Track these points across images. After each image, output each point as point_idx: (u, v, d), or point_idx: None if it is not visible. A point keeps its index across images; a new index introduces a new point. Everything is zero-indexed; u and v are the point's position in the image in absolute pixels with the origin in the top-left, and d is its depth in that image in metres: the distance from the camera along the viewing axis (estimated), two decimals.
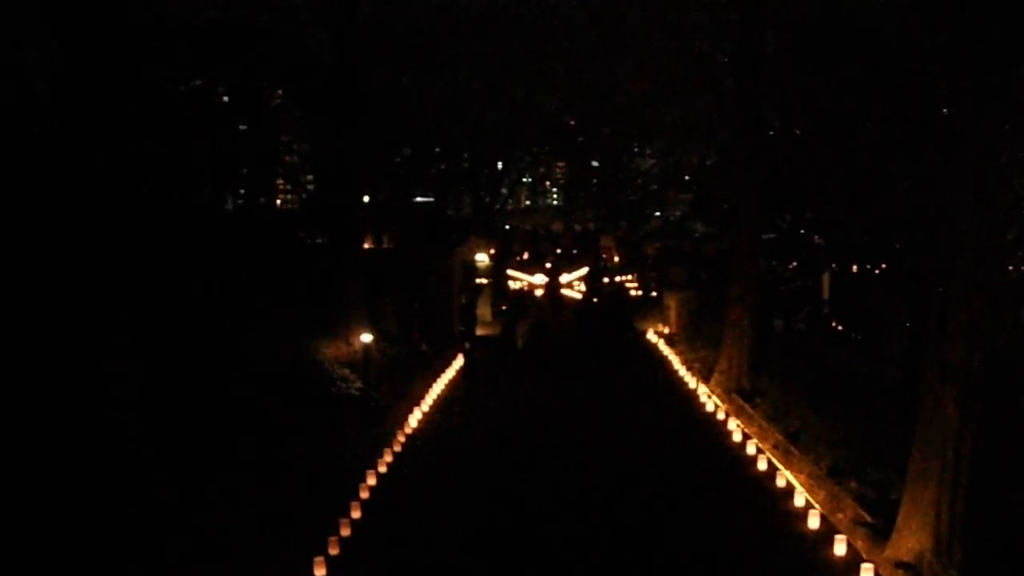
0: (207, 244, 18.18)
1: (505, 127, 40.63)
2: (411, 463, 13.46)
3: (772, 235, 38.26)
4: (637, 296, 29.05)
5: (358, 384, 16.23)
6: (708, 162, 39.04)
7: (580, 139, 47.94)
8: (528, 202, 73.77)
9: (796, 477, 12.29)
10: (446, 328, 22.65)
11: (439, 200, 40.50)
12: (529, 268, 32.75)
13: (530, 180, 66.93)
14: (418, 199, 43.72)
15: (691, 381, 18.23)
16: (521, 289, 29.98)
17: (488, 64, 37.28)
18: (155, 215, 18.13)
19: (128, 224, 13.39)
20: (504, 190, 48.89)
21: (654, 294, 28.22)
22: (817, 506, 11.08)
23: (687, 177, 49.33)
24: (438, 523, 10.96)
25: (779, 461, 13.03)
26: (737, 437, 14.21)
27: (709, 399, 16.65)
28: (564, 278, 30.22)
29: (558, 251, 36.90)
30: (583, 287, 29.44)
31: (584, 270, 31.20)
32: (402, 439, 14.36)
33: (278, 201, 32.23)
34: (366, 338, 17.27)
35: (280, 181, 30.58)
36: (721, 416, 15.51)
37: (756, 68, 16.42)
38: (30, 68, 14.96)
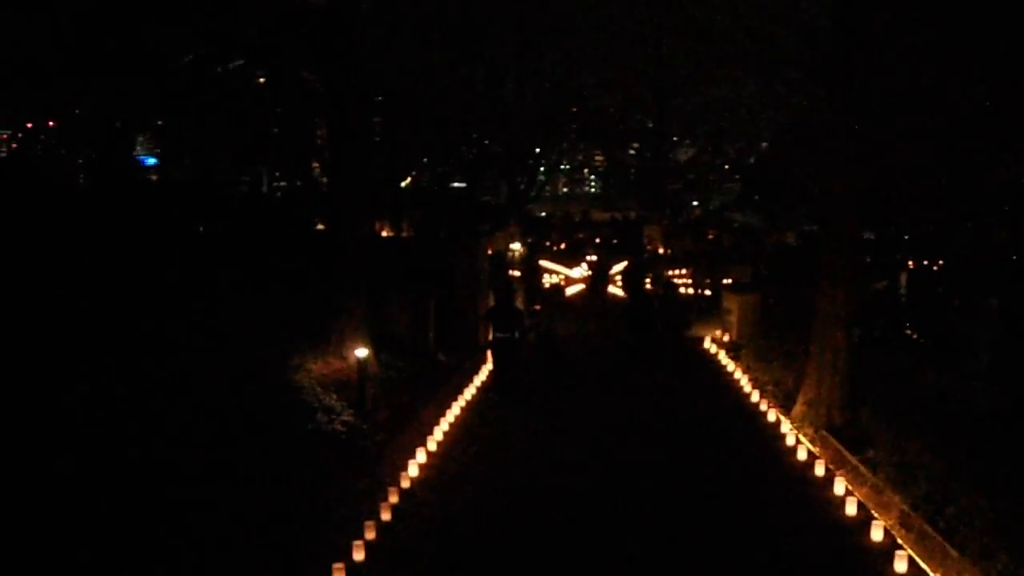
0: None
1: (542, 110, 36.91)
2: (403, 540, 9.28)
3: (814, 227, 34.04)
4: (688, 295, 24.61)
5: (347, 415, 12.03)
6: (763, 144, 34.94)
7: (620, 127, 44.51)
8: (566, 190, 70.05)
9: None
10: (470, 333, 18.34)
11: (471, 186, 36.79)
12: (567, 260, 28.41)
13: (568, 167, 63.35)
14: (455, 185, 40.05)
15: (769, 412, 13.84)
16: (558, 284, 25.58)
17: (524, 42, 33.45)
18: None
19: None
20: (541, 177, 45.19)
21: (707, 293, 23.78)
22: None
23: (727, 167, 45.77)
24: None
25: (918, 553, 8.73)
26: (850, 509, 9.85)
27: (798, 443, 12.28)
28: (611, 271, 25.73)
29: (597, 240, 32.53)
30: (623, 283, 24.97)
31: (625, 263, 26.80)
32: (395, 499, 10.15)
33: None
34: (361, 352, 13.08)
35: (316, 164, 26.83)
36: (819, 471, 11.13)
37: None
38: None
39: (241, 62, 21.80)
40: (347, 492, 10.16)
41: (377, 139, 28.71)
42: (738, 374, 16.38)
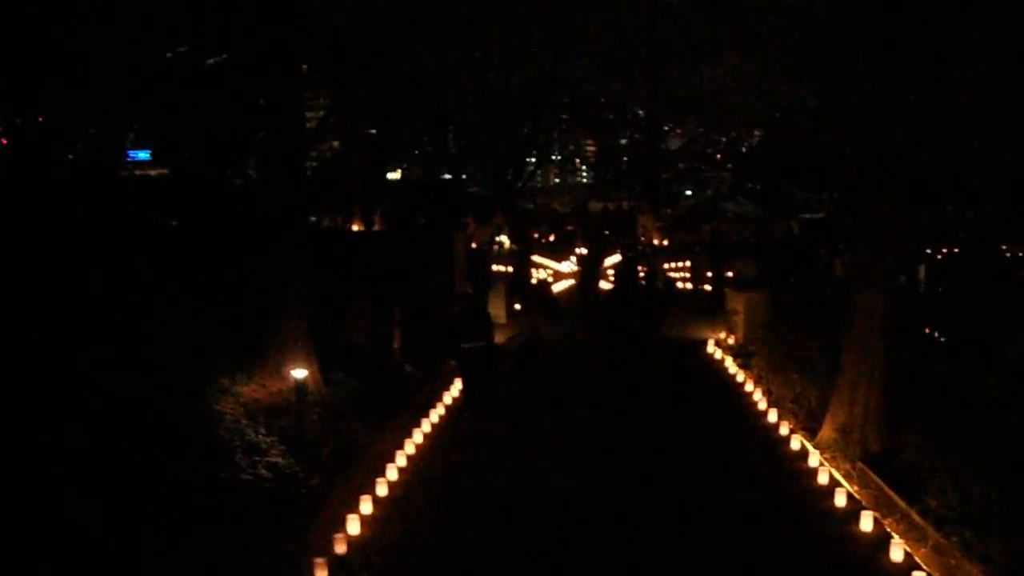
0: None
1: (530, 97, 34.37)
2: None
3: (817, 215, 31.53)
4: (686, 290, 22.06)
5: (275, 454, 9.45)
6: (757, 132, 32.52)
7: (610, 116, 42.18)
8: (557, 180, 67.70)
9: None
10: (444, 338, 15.71)
11: (457, 177, 34.28)
12: (557, 254, 25.83)
13: (559, 157, 61.15)
14: (445, 177, 37.60)
15: (792, 438, 11.21)
16: (545, 280, 22.95)
17: (511, 25, 30.79)
18: None
19: None
20: (530, 167, 42.83)
21: (708, 288, 21.23)
22: None
23: (719, 156, 43.79)
24: None
25: None
26: None
27: (833, 482, 9.70)
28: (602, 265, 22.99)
29: (588, 232, 29.88)
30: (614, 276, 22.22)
31: (618, 256, 24.12)
32: (323, 574, 7.54)
33: None
34: (298, 373, 10.50)
35: None
36: (866, 525, 8.53)
37: None
38: None
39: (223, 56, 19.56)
40: (257, 568, 7.59)
41: (371, 131, 26.41)
42: (749, 386, 13.78)
